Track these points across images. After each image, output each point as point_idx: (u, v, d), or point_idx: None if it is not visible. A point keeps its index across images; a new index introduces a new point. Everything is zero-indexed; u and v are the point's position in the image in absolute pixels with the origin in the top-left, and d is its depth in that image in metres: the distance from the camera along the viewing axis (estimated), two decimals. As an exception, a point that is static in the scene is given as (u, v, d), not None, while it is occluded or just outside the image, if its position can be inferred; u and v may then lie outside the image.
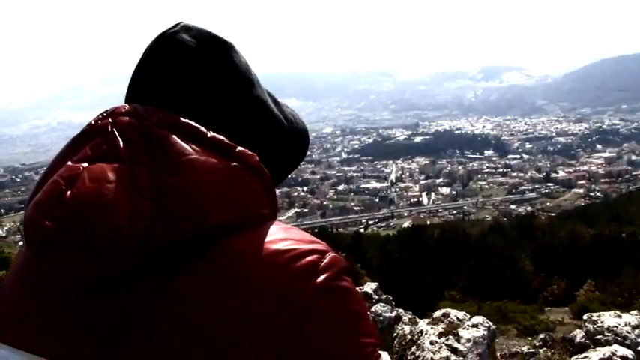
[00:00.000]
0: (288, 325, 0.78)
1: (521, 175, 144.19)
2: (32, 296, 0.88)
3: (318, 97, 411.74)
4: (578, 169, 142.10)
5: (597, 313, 6.08)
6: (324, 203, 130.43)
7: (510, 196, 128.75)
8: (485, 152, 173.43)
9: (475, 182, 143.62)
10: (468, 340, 3.96)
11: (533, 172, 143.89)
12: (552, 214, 72.45)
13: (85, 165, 0.83)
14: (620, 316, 5.88)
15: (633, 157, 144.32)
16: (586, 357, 4.21)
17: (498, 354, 6.92)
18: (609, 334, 5.49)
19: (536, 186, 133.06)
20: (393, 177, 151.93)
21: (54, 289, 0.85)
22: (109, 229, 0.76)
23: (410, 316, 4.49)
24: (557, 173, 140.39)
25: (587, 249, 25.12)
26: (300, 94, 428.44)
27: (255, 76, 1.05)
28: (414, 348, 4.08)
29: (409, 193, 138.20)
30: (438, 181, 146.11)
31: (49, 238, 0.78)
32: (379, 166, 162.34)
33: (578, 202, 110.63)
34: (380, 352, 0.88)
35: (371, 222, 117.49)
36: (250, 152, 0.90)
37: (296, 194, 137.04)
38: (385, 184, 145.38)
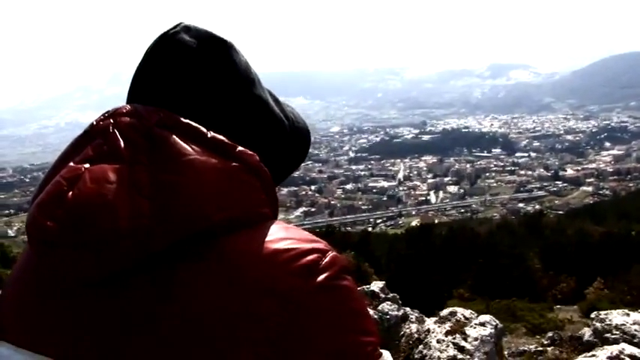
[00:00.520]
0: (288, 323, 0.79)
1: (529, 173, 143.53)
2: (33, 296, 0.89)
3: (325, 95, 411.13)
4: (586, 166, 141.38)
5: (605, 312, 6.06)
6: (332, 202, 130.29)
7: (518, 194, 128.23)
8: (493, 150, 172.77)
9: (483, 180, 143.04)
10: (475, 339, 3.96)
11: (541, 170, 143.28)
12: (561, 212, 72.23)
13: (87, 165, 0.84)
14: (628, 315, 5.86)
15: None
16: (593, 356, 4.20)
17: (506, 352, 6.91)
18: (617, 333, 5.47)
19: (545, 184, 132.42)
20: (400, 175, 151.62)
21: (55, 288, 0.85)
22: (109, 228, 0.77)
23: (417, 315, 4.48)
24: (566, 171, 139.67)
25: (596, 247, 25.03)
26: (307, 93, 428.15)
27: (255, 76, 1.05)
28: (420, 347, 4.08)
29: (417, 192, 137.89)
30: (445, 179, 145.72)
31: (50, 238, 0.79)
32: (387, 165, 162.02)
33: (587, 199, 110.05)
34: (381, 350, 0.88)
35: (379, 221, 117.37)
36: (250, 152, 0.90)
37: (304, 193, 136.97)
38: (393, 183, 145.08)
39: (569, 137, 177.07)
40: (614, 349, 4.22)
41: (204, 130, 0.89)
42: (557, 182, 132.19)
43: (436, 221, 77.87)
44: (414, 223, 71.02)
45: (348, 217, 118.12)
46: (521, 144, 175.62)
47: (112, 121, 0.89)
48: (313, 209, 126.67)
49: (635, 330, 5.49)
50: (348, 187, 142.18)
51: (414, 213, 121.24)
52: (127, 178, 0.81)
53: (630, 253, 22.24)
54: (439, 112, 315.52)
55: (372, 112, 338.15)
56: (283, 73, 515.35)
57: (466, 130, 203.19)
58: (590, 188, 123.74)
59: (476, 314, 4.37)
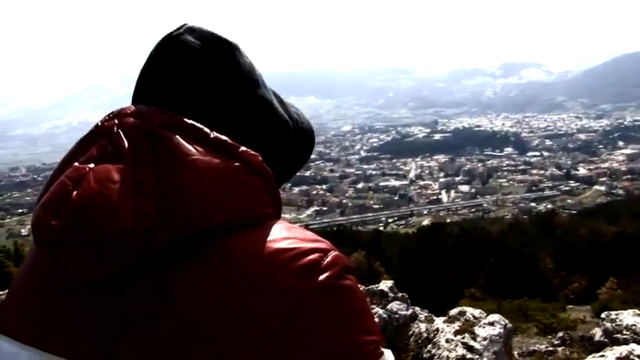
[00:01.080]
0: (289, 323, 0.79)
1: (542, 172, 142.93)
2: (37, 294, 0.90)
3: (337, 94, 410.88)
4: (599, 165, 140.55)
5: (616, 312, 6.04)
6: (343, 201, 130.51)
7: (530, 194, 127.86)
8: (505, 149, 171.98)
9: (495, 180, 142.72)
10: (484, 339, 3.96)
11: (554, 169, 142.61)
12: (573, 212, 72.04)
13: (91, 165, 0.85)
14: (639, 315, 5.84)
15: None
16: (602, 356, 4.19)
17: (516, 352, 6.90)
18: (628, 333, 5.44)
19: (557, 183, 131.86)
20: (412, 175, 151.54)
21: (57, 287, 0.87)
22: (112, 228, 0.78)
23: (426, 315, 4.48)
24: (578, 170, 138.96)
25: (609, 247, 24.95)
26: (318, 92, 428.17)
27: (259, 76, 1.06)
28: (429, 346, 4.08)
29: (428, 191, 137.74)
30: (457, 178, 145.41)
31: (55, 238, 0.80)
32: (398, 164, 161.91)
33: (600, 199, 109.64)
34: (383, 349, 0.88)
35: (390, 220, 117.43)
36: (253, 152, 0.91)
37: (315, 192, 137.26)
38: (404, 182, 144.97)
39: (581, 136, 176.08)
40: (623, 350, 4.20)
41: (207, 130, 0.89)
42: (569, 181, 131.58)
43: (447, 221, 77.78)
44: (425, 223, 70.86)
45: (360, 216, 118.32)
46: (534, 143, 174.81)
47: (116, 121, 0.90)
48: (324, 208, 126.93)
49: (646, 330, 5.46)
50: (360, 186, 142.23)
51: (425, 212, 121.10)
52: (131, 179, 0.81)
53: (643, 252, 22.17)
54: (451, 111, 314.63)
55: (383, 111, 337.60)
56: (294, 72, 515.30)
57: (478, 129, 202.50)
58: (602, 187, 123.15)
59: (485, 314, 4.37)
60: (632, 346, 4.44)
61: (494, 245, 26.76)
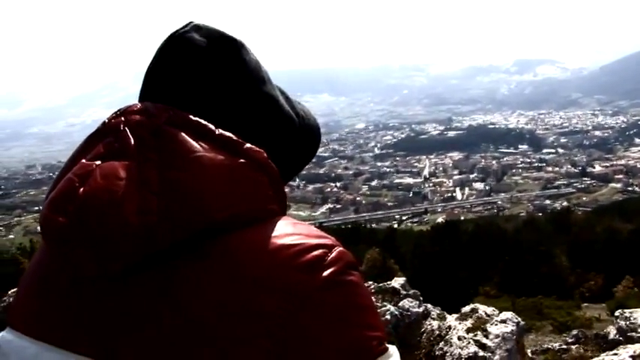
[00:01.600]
0: (293, 318, 0.79)
1: (557, 169, 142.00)
2: (43, 290, 0.91)
3: (351, 92, 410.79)
4: (615, 163, 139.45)
5: (630, 310, 5.99)
6: (358, 199, 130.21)
7: (545, 191, 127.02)
8: (520, 147, 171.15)
9: (509, 177, 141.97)
10: (497, 336, 3.94)
11: (569, 167, 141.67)
12: (589, 209, 71.51)
13: (98, 162, 0.85)
14: (654, 313, 5.79)
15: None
16: (615, 354, 4.16)
17: (530, 350, 6.87)
18: (642, 331, 5.41)
19: (572, 180, 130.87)
20: (426, 172, 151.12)
21: (63, 283, 0.87)
22: (117, 224, 0.78)
23: (438, 312, 4.47)
24: (594, 167, 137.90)
25: (625, 244, 24.78)
26: (332, 90, 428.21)
27: (265, 74, 1.06)
28: (442, 343, 4.07)
29: (442, 189, 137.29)
30: (471, 176, 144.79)
31: (61, 234, 0.81)
32: (412, 162, 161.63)
33: (616, 196, 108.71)
34: (388, 345, 0.88)
35: (404, 217, 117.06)
36: (258, 149, 0.91)
37: (329, 190, 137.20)
38: (418, 180, 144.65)
39: (597, 133, 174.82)
40: (637, 348, 4.16)
41: (212, 127, 0.90)
42: (585, 179, 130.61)
43: (462, 218, 77.62)
44: (439, 220, 70.60)
45: (374, 213, 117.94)
46: (549, 140, 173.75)
47: (123, 119, 0.91)
48: (339, 206, 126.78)
49: (661, 329, 5.42)
50: (374, 183, 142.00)
51: (439, 210, 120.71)
52: (137, 175, 0.82)
53: (660, 250, 22.01)
54: (465, 108, 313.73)
55: (397, 109, 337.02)
56: (309, 70, 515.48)
57: (492, 126, 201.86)
58: (619, 185, 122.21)
59: (497, 311, 4.34)
60: (647, 343, 4.41)
61: (508, 243, 26.68)
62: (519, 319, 4.25)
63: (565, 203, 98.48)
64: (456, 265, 23.64)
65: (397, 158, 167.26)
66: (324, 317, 0.81)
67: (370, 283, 4.77)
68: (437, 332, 4.20)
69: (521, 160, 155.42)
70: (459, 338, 3.98)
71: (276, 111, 1.05)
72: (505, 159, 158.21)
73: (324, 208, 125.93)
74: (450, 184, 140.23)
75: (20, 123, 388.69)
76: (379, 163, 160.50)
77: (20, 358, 0.89)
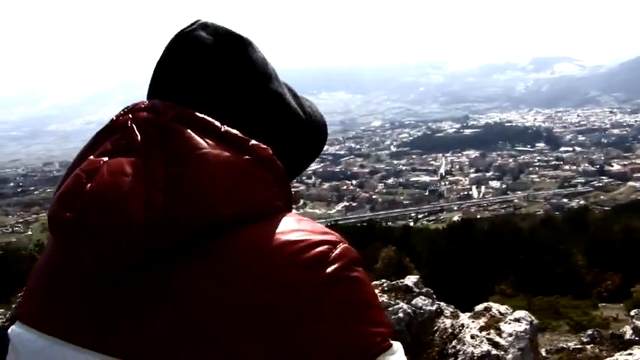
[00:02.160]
0: (297, 314, 0.79)
1: (574, 167, 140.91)
2: (50, 284, 0.93)
3: (367, 90, 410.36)
4: (633, 161, 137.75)
5: (646, 310, 5.95)
6: (373, 197, 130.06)
7: (562, 190, 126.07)
8: (537, 145, 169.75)
9: (526, 175, 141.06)
10: (510, 335, 3.93)
11: (587, 165, 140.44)
12: (606, 208, 70.96)
13: (105, 159, 0.86)
14: (671, 313, 5.73)
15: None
16: (630, 354, 4.13)
17: (544, 350, 6.84)
18: (658, 331, 5.36)
19: (590, 179, 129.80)
20: (442, 170, 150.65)
21: (70, 277, 0.89)
22: (122, 219, 0.79)
23: (451, 310, 4.45)
24: (612, 166, 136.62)
25: (644, 244, 24.56)
26: (348, 88, 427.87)
27: (272, 71, 1.07)
28: (454, 342, 4.06)
29: (459, 187, 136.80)
30: (488, 174, 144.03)
31: (68, 229, 0.82)
32: (428, 160, 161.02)
33: (634, 195, 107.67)
34: (392, 342, 0.88)
35: (420, 215, 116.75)
36: (264, 145, 0.91)
37: (345, 188, 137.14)
38: (434, 178, 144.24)
39: (615, 131, 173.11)
40: (651, 348, 4.14)
41: (218, 124, 0.90)
42: (602, 177, 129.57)
43: (478, 216, 77.39)
44: (455, 218, 70.47)
45: (390, 211, 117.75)
46: (566, 138, 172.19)
47: (130, 116, 0.92)
48: (354, 204, 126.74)
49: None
50: (390, 181, 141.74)
51: (455, 208, 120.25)
52: (143, 171, 0.83)
53: (678, 250, 21.82)
54: (481, 106, 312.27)
55: (413, 107, 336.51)
56: (325, 67, 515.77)
57: (509, 124, 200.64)
58: (637, 184, 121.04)
59: (511, 310, 4.32)
60: (663, 344, 4.37)
61: (525, 241, 26.52)
62: (533, 317, 4.23)
63: (582, 202, 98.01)
64: (471, 263, 23.56)
65: (413, 156, 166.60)
66: (327, 313, 0.82)
67: (383, 280, 4.77)
68: (450, 330, 4.18)
69: (538, 158, 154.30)
70: (472, 337, 3.97)
71: (282, 108, 1.06)
72: (522, 157, 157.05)
73: (340, 206, 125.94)
74: (467, 183, 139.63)
75: (39, 121, 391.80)
76: (395, 161, 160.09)
77: (28, 351, 0.91)
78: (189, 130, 0.88)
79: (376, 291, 4.95)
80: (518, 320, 4.08)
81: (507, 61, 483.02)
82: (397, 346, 0.89)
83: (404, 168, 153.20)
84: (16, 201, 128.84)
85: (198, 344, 0.78)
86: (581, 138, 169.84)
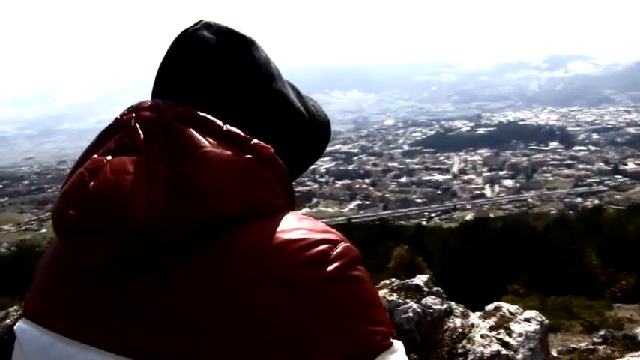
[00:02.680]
0: (297, 312, 0.80)
1: (588, 167, 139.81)
2: (53, 281, 0.94)
3: (380, 88, 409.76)
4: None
5: (659, 310, 5.90)
6: (386, 195, 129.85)
7: (576, 189, 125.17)
8: (550, 144, 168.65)
9: (540, 174, 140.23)
10: (520, 335, 3.91)
11: (601, 164, 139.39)
12: (621, 208, 70.51)
13: (109, 158, 0.88)
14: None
15: None
16: (641, 354, 4.11)
17: (556, 350, 6.80)
18: (672, 331, 5.32)
19: (604, 178, 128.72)
20: (455, 169, 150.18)
21: (73, 274, 0.91)
22: (124, 217, 0.80)
23: (461, 309, 4.44)
24: (627, 165, 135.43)
25: (659, 243, 24.40)
26: (361, 86, 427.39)
27: (276, 70, 1.07)
28: (464, 341, 4.05)
29: (472, 186, 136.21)
30: (501, 173, 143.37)
31: (72, 226, 0.83)
32: (441, 158, 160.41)
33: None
34: (393, 340, 0.89)
35: (433, 214, 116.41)
36: (265, 144, 0.92)
37: (358, 186, 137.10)
38: (447, 177, 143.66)
39: (630, 130, 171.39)
40: (665, 348, 4.11)
41: (220, 123, 0.91)
42: (617, 177, 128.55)
43: (491, 215, 77.03)
44: (468, 217, 70.37)
45: (402, 210, 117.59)
46: (580, 137, 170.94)
47: (134, 115, 0.93)
48: (367, 202, 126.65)
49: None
50: (403, 180, 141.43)
51: (468, 207, 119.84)
52: (145, 170, 0.84)
53: (694, 249, 21.66)
54: (495, 105, 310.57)
55: (426, 105, 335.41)
56: (338, 66, 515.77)
57: (522, 123, 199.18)
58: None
59: (521, 309, 4.30)
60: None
61: (538, 241, 26.41)
62: (543, 317, 4.20)
63: (596, 201, 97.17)
64: (484, 262, 23.49)
65: (426, 155, 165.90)
66: (327, 311, 0.82)
67: (393, 279, 4.76)
68: (459, 330, 4.17)
69: (551, 157, 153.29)
70: (482, 336, 3.96)
71: (285, 107, 1.06)
72: (535, 156, 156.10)
73: (352, 205, 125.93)
74: (480, 182, 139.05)
75: (53, 119, 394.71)
76: (408, 160, 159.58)
77: (33, 347, 0.92)
78: (191, 129, 0.89)
79: (386, 290, 4.98)
80: (528, 320, 4.07)
81: (521, 59, 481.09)
82: (398, 344, 0.89)
83: (417, 167, 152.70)
84: (30, 199, 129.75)
85: (199, 341, 0.78)
86: (595, 137, 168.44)
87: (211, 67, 1.00)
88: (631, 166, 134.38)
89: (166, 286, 0.82)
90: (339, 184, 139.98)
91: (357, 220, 77.46)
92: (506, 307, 4.29)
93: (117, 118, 0.96)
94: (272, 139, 0.97)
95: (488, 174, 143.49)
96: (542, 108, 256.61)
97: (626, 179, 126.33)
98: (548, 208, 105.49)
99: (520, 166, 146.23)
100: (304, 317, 0.80)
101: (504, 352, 3.82)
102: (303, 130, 1.10)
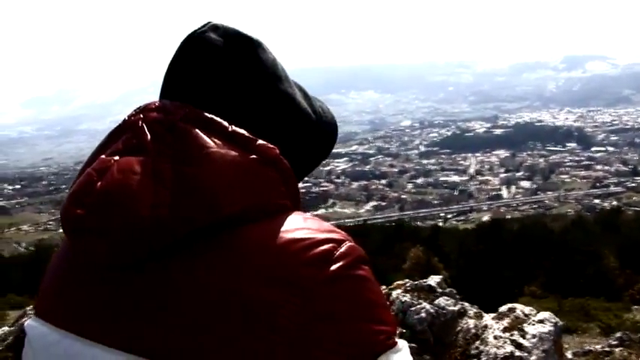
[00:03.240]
0: (301, 312, 0.80)
1: (606, 168, 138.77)
2: (62, 280, 0.96)
3: (396, 89, 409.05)
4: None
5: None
6: (403, 196, 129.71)
7: (594, 190, 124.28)
8: (568, 144, 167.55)
9: (557, 175, 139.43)
10: (533, 336, 3.89)
11: (619, 165, 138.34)
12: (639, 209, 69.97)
13: (116, 158, 0.89)
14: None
15: None
16: (657, 357, 4.07)
17: (571, 352, 6.75)
18: (689, 334, 5.26)
19: (622, 179, 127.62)
20: (472, 170, 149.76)
21: (81, 273, 0.92)
22: (131, 216, 0.81)
23: (475, 311, 4.42)
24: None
25: (677, 245, 24.19)
26: (377, 87, 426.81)
27: (283, 72, 1.08)
28: (477, 342, 4.04)
29: (488, 187, 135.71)
30: (518, 174, 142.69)
31: (79, 225, 0.85)
32: (458, 159, 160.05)
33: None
34: (398, 340, 0.89)
35: (449, 215, 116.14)
36: (271, 145, 0.93)
37: (374, 187, 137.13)
38: (464, 177, 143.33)
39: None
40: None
41: (225, 124, 0.92)
42: (636, 178, 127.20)
43: (508, 217, 76.64)
44: (485, 219, 70.05)
45: (419, 211, 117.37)
46: (598, 138, 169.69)
47: (141, 116, 0.95)
48: (383, 203, 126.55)
49: None
50: (419, 181, 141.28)
51: (485, 208, 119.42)
52: (151, 170, 0.85)
53: None
54: (512, 105, 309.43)
55: (442, 106, 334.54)
56: (354, 67, 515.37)
57: (539, 123, 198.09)
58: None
59: (535, 311, 4.28)
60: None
61: (555, 242, 26.26)
62: (557, 319, 4.17)
63: (615, 202, 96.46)
64: (501, 264, 23.39)
65: (443, 156, 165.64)
66: (330, 311, 0.82)
67: (406, 280, 4.75)
68: (473, 331, 4.15)
69: (569, 158, 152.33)
70: (495, 337, 3.94)
71: (292, 108, 1.07)
72: (552, 157, 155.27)
73: (368, 206, 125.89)
74: (496, 183, 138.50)
75: (71, 120, 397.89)
76: (424, 161, 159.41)
77: (42, 344, 0.93)
78: (197, 130, 0.90)
79: (399, 291, 4.97)
80: (542, 322, 4.04)
81: (538, 59, 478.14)
82: (402, 344, 0.89)
83: (433, 168, 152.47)
84: (48, 199, 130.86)
85: (200, 339, 0.79)
86: (613, 138, 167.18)
87: (218, 69, 1.01)
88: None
89: (169, 284, 0.83)
90: (355, 184, 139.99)
91: (373, 221, 77.34)
92: (520, 308, 4.26)
93: (125, 119, 0.97)
94: (278, 139, 0.98)
95: (504, 175, 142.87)
96: (560, 108, 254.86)
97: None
98: (566, 209, 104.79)
99: (537, 167, 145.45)
100: (307, 316, 0.80)
101: (518, 353, 3.80)
102: (309, 130, 1.11)
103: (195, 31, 1.04)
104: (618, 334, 7.31)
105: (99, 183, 0.86)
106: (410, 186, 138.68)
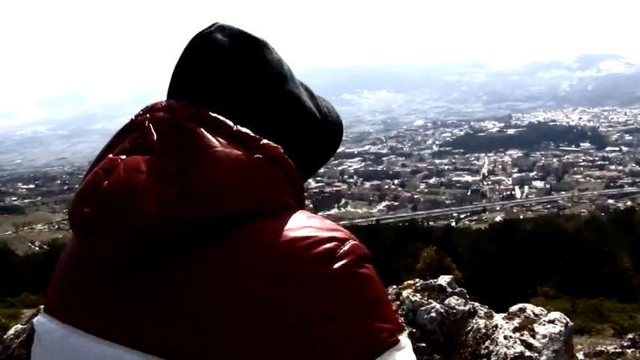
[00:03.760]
0: (303, 309, 0.81)
1: (620, 168, 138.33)
2: (70, 277, 0.98)
3: (409, 88, 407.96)
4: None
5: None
6: (415, 196, 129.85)
7: (608, 190, 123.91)
8: (582, 144, 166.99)
9: (570, 175, 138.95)
10: (544, 337, 3.87)
11: (634, 165, 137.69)
12: (654, 209, 69.54)
13: (123, 157, 0.90)
14: None
15: None
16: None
17: (582, 352, 6.73)
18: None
19: (637, 180, 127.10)
20: (485, 170, 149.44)
21: (88, 270, 0.93)
22: (136, 214, 0.83)
23: (485, 311, 4.41)
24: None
25: (691, 245, 24.05)
26: (390, 86, 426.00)
27: (288, 72, 1.09)
28: (487, 342, 4.03)
29: (501, 187, 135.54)
30: (531, 174, 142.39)
31: (87, 224, 0.87)
32: (471, 159, 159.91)
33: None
34: (400, 338, 0.88)
35: (462, 215, 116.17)
36: (275, 144, 0.94)
37: (387, 187, 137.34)
38: (477, 177, 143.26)
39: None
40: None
41: (230, 123, 0.93)
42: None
43: (521, 217, 76.54)
44: (498, 219, 69.78)
45: (431, 211, 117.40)
46: (612, 138, 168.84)
47: (148, 115, 0.96)
48: (396, 203, 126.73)
49: None
50: (432, 181, 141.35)
51: (498, 208, 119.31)
52: (157, 168, 0.86)
53: None
54: (525, 105, 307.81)
55: (456, 106, 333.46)
56: (367, 66, 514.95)
57: (553, 123, 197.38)
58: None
59: (545, 311, 4.26)
60: None
61: (569, 243, 26.18)
62: (568, 319, 4.16)
63: (629, 203, 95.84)
64: (514, 264, 23.36)
65: (456, 156, 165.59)
66: (333, 308, 0.82)
67: (417, 280, 4.75)
68: (483, 331, 4.15)
69: (583, 158, 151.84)
70: (505, 337, 3.93)
71: (297, 108, 1.08)
72: (566, 157, 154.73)
73: (381, 206, 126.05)
74: (510, 183, 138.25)
75: (85, 119, 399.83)
76: (437, 161, 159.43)
77: (50, 340, 0.95)
78: (202, 129, 0.91)
79: (409, 290, 4.96)
80: (552, 322, 4.02)
81: (552, 59, 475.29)
82: (405, 342, 0.89)
83: (446, 167, 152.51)
84: (62, 198, 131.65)
85: (203, 336, 0.80)
86: (628, 137, 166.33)
87: (224, 69, 1.02)
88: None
89: (173, 282, 0.84)
90: (367, 184, 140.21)
91: (386, 221, 77.34)
92: (531, 308, 4.25)
93: (132, 119, 0.99)
94: (284, 139, 1.00)
95: (518, 175, 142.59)
96: (574, 108, 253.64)
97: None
98: (579, 209, 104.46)
99: (550, 167, 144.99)
100: (309, 314, 0.81)
101: (528, 353, 3.79)
102: (314, 130, 1.12)
103: (202, 31, 1.05)
104: (631, 335, 7.28)
105: (106, 182, 0.87)
106: (423, 186, 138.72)
